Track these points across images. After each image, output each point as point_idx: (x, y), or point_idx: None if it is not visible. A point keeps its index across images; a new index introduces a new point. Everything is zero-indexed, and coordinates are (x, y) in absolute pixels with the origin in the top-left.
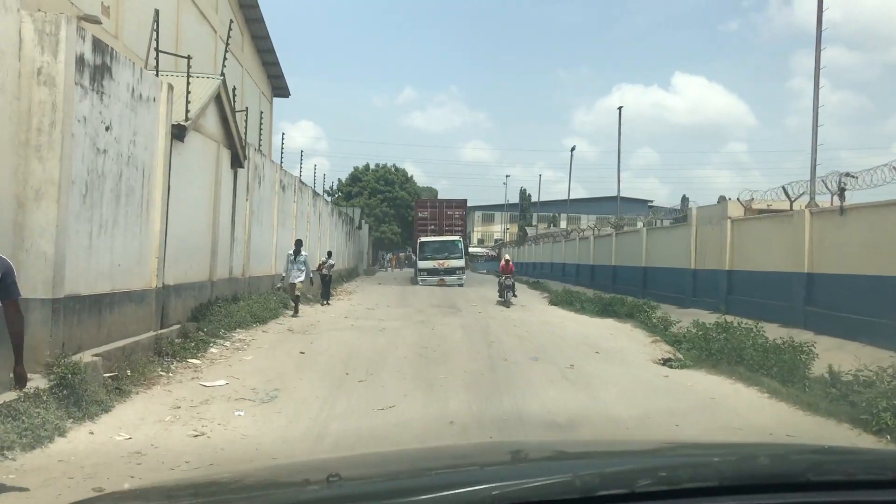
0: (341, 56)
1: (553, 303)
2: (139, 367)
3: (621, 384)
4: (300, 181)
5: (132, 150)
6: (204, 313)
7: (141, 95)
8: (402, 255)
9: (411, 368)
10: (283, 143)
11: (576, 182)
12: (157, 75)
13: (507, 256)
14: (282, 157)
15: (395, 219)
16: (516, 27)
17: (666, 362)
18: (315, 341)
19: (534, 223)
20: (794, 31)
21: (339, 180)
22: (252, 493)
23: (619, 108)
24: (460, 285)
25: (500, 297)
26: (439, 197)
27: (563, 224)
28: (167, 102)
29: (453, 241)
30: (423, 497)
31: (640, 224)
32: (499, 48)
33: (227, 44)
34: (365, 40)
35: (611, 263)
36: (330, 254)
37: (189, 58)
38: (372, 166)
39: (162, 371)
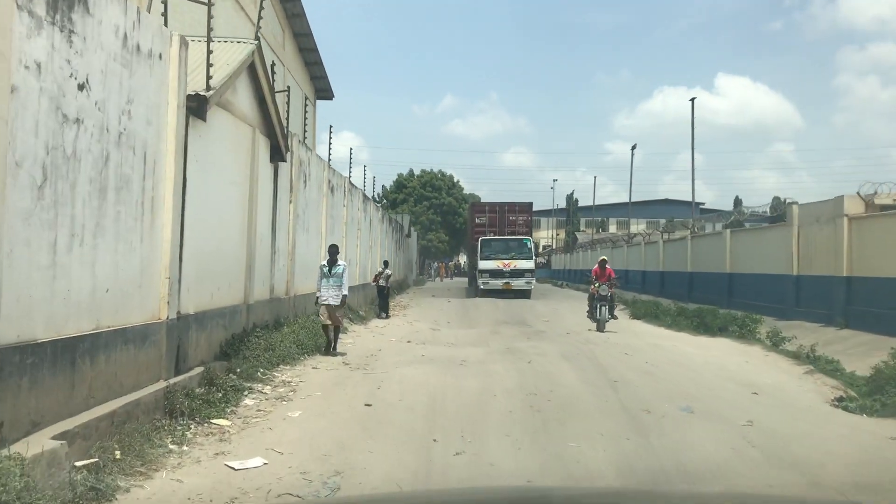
0: (380, 66)
1: (635, 316)
2: (135, 442)
3: (839, 454)
4: (350, 182)
5: (126, 125)
6: (237, 348)
7: (139, 47)
8: (450, 263)
9: (525, 431)
10: (330, 138)
11: (618, 185)
12: (165, 25)
13: (604, 257)
14: (329, 155)
15: (441, 226)
16: (556, 32)
17: (840, 402)
18: (383, 384)
19: (581, 228)
20: (838, 28)
21: (384, 187)
22: None
23: (692, 100)
24: (528, 290)
25: (590, 313)
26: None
27: (612, 229)
28: (180, 63)
29: (521, 241)
30: None
31: (707, 227)
32: (538, 54)
33: (261, 6)
34: (404, 49)
35: (686, 270)
36: (387, 263)
37: (210, 4)
38: (417, 172)
39: (173, 443)
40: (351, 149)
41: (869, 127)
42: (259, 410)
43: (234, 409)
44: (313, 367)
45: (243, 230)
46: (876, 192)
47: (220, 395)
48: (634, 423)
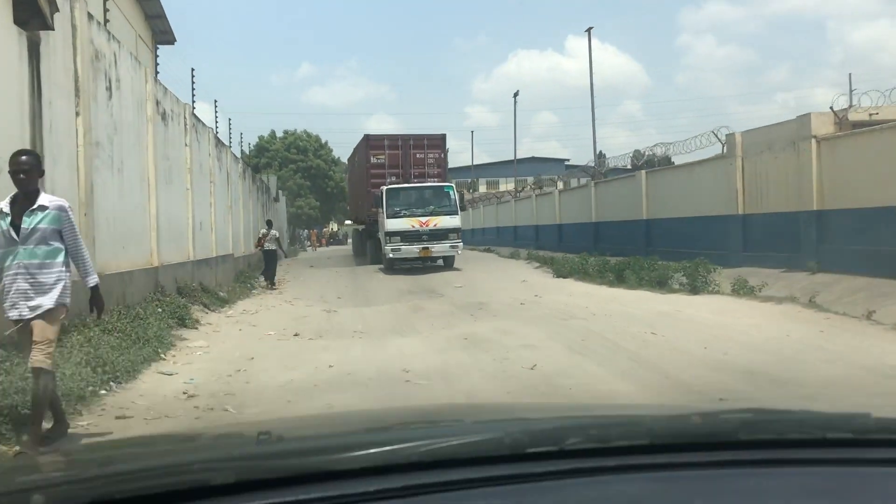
0: (232, 34)
1: (561, 274)
2: None
3: None
4: (195, 115)
5: None
6: None
7: None
8: (323, 230)
9: None
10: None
11: (479, 148)
12: None
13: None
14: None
15: (311, 191)
16: None
17: None
18: None
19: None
20: None
21: (244, 152)
22: (172, 451)
23: (589, 31)
24: (452, 257)
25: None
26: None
27: (482, 188)
28: None
29: (441, 189)
30: (346, 455)
31: (560, 184)
32: (398, 20)
33: None
34: (256, 17)
35: (590, 220)
36: (270, 223)
37: None
38: (279, 134)
39: None
40: (192, 69)
41: (708, 82)
42: None
43: None
44: (124, 412)
45: None
46: (851, 106)
47: None
48: None
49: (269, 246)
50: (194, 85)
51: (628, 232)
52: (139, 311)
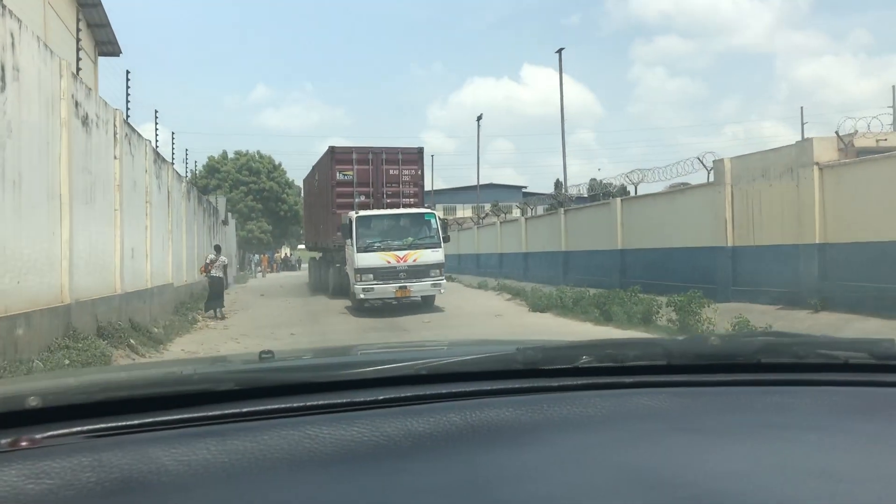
0: (185, 54)
1: (537, 308)
2: None
3: None
4: (128, 124)
5: None
6: None
7: None
8: (276, 255)
9: None
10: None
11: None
12: None
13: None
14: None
15: (263, 214)
16: (371, 24)
17: None
18: None
19: None
20: (631, 23)
21: (193, 172)
22: (184, 372)
23: (559, 52)
24: (432, 297)
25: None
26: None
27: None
28: None
29: (421, 217)
30: (356, 369)
31: (516, 211)
32: (354, 45)
33: None
34: (211, 38)
35: (559, 249)
36: (219, 248)
37: None
38: (231, 154)
39: None
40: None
41: (659, 114)
42: None
43: None
44: None
45: None
46: (856, 132)
47: None
48: None
49: (215, 273)
50: (129, 91)
51: (601, 262)
52: (36, 363)
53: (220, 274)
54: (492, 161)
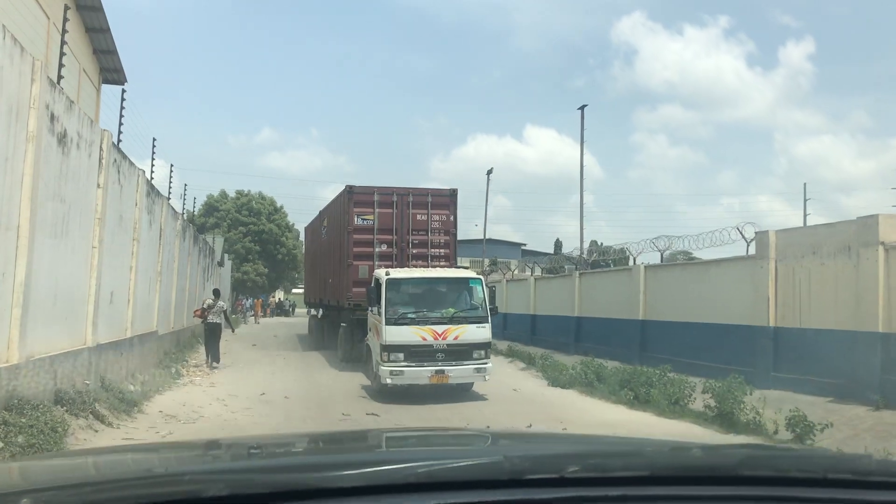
0: (193, 92)
1: (558, 383)
2: None
3: None
4: (118, 149)
5: None
6: None
7: None
8: (270, 300)
9: None
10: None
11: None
12: None
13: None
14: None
15: (260, 256)
16: (377, 74)
17: None
18: None
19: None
20: (636, 89)
21: (191, 211)
22: (163, 460)
23: (582, 108)
24: (470, 384)
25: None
26: None
27: None
28: None
29: (467, 282)
30: (341, 473)
31: (515, 269)
32: (360, 94)
33: None
34: (221, 79)
35: (571, 314)
36: (217, 293)
37: None
38: (232, 194)
39: None
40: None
41: (659, 181)
42: None
43: None
44: None
45: None
46: None
47: None
48: None
49: (213, 319)
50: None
51: (619, 331)
52: None
53: (219, 320)
54: (490, 217)
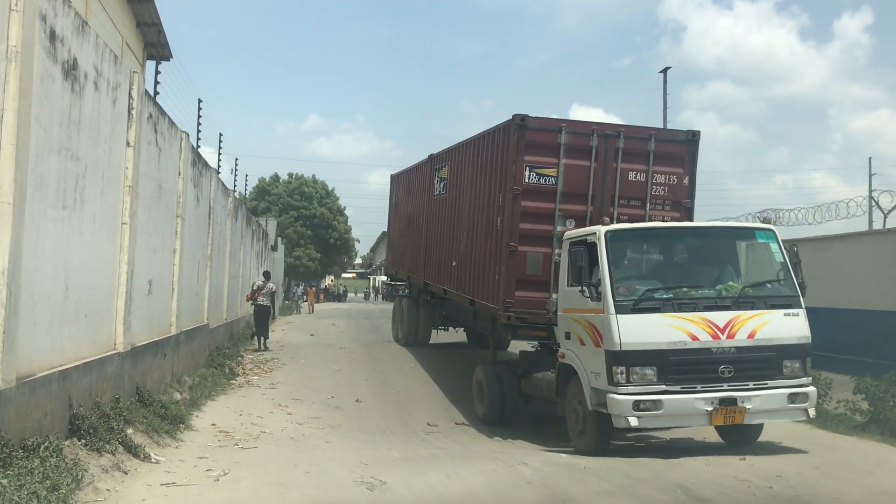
0: (241, 80)
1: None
2: None
3: None
4: (150, 97)
5: None
6: None
7: None
8: (322, 286)
9: None
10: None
11: None
12: None
13: None
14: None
15: (313, 241)
16: (423, 59)
17: None
18: None
19: None
20: (684, 66)
21: (243, 195)
22: None
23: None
24: (759, 426)
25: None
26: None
27: None
28: None
29: (752, 235)
30: None
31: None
32: (406, 79)
33: None
34: (269, 69)
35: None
36: (268, 275)
37: None
38: (284, 177)
39: None
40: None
41: (709, 160)
42: None
43: None
44: None
45: None
46: None
47: None
48: None
49: (262, 301)
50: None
51: None
52: None
53: (268, 302)
54: None
